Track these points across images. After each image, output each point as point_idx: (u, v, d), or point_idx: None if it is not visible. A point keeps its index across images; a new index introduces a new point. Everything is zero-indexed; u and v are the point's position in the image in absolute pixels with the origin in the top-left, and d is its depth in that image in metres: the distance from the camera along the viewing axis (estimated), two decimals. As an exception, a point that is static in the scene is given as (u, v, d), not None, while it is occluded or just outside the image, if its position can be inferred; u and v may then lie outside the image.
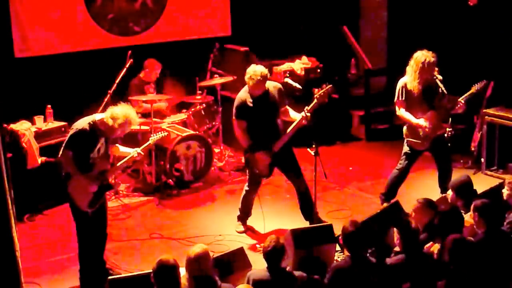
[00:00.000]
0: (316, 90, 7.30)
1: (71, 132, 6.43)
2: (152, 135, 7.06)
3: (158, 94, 9.05)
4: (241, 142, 7.36)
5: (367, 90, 10.83)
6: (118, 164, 6.73)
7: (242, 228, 7.64)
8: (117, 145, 6.83)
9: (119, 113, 6.34)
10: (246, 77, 7.12)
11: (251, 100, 7.17)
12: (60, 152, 6.40)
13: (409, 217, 6.20)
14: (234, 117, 7.26)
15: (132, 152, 6.71)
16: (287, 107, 7.37)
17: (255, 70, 7.08)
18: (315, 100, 7.17)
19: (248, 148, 7.27)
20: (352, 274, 5.37)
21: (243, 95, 7.24)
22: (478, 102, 8.89)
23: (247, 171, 7.51)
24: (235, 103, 7.27)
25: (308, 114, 7.11)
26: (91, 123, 6.38)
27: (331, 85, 7.27)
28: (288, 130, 7.25)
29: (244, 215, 7.68)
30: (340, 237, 5.69)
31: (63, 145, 6.41)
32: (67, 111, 8.62)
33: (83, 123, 6.40)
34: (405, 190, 7.95)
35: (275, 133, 7.29)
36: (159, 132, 7.12)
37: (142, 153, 6.79)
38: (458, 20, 9.91)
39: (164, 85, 9.53)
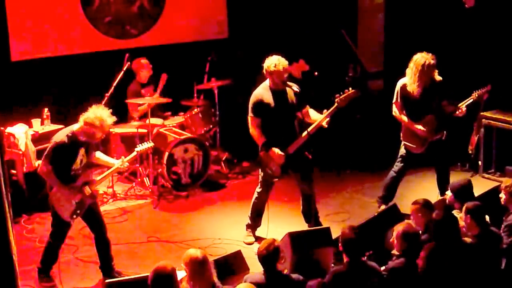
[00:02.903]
0: (310, 93, 7.20)
1: (50, 145, 6.43)
2: (138, 145, 6.97)
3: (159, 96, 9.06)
4: (256, 140, 7.15)
5: (365, 93, 10.82)
6: (103, 175, 6.70)
7: (252, 239, 7.44)
8: (98, 154, 6.79)
9: (91, 116, 6.31)
10: (269, 67, 6.97)
11: (269, 97, 7.06)
12: (40, 165, 6.44)
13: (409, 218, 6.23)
14: (250, 114, 7.10)
15: (116, 164, 6.68)
16: (308, 107, 7.23)
17: (279, 58, 7.00)
18: (335, 104, 7.00)
19: (263, 146, 7.12)
20: (350, 279, 5.36)
21: (261, 92, 7.12)
22: (476, 105, 8.89)
23: (260, 172, 7.34)
24: (252, 100, 7.11)
25: (327, 119, 7.01)
26: (70, 134, 6.37)
27: (354, 90, 7.04)
28: (304, 133, 7.09)
29: (254, 222, 7.48)
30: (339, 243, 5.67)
31: (43, 158, 6.43)
32: (64, 114, 8.62)
33: (61, 135, 6.40)
34: (404, 192, 7.95)
35: (292, 134, 7.14)
36: (145, 143, 7.00)
37: (128, 164, 6.79)
38: (455, 23, 9.92)
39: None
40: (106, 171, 6.78)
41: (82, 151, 6.44)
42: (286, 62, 7.06)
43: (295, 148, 7.11)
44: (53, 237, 6.62)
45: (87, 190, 6.47)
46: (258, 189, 7.42)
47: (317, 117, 7.10)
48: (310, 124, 7.09)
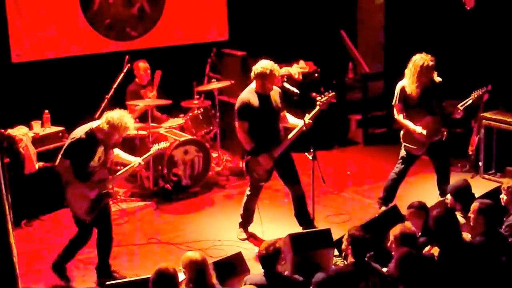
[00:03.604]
0: (317, 96, 7.19)
1: (68, 141, 6.44)
2: (154, 145, 6.98)
3: (157, 98, 9.05)
4: (244, 145, 7.18)
5: (365, 94, 10.84)
6: (119, 173, 6.78)
7: (244, 236, 7.53)
8: (118, 151, 6.82)
9: (114, 117, 6.33)
10: (264, 71, 6.97)
11: (255, 101, 7.07)
12: (57, 160, 6.43)
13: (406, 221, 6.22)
14: (236, 119, 7.12)
15: (133, 162, 6.71)
16: (286, 112, 7.32)
17: (272, 63, 7.01)
18: (317, 107, 7.09)
19: (251, 151, 7.16)
20: (355, 279, 5.36)
21: (247, 95, 7.12)
22: (476, 106, 8.90)
23: (248, 176, 7.38)
24: (238, 104, 7.12)
25: (310, 121, 7.07)
26: (89, 131, 6.37)
27: (334, 93, 7.16)
28: (289, 136, 7.15)
29: (245, 221, 7.56)
30: (343, 241, 5.66)
31: (61, 153, 6.42)
32: (65, 116, 8.63)
33: (80, 132, 6.40)
34: (404, 194, 7.94)
35: (277, 137, 7.19)
36: (162, 142, 7.06)
37: (143, 163, 6.82)
38: (455, 24, 9.92)
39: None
40: (122, 169, 6.79)
41: (101, 148, 6.42)
42: (279, 68, 7.11)
43: (280, 151, 7.16)
44: (75, 237, 6.61)
45: (103, 188, 6.46)
46: (247, 192, 7.48)
47: (295, 122, 7.18)
48: (288, 129, 7.20)
